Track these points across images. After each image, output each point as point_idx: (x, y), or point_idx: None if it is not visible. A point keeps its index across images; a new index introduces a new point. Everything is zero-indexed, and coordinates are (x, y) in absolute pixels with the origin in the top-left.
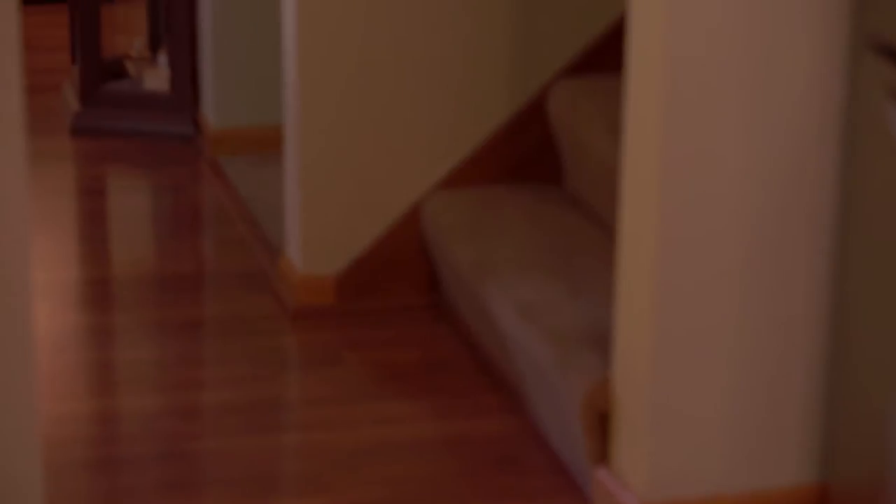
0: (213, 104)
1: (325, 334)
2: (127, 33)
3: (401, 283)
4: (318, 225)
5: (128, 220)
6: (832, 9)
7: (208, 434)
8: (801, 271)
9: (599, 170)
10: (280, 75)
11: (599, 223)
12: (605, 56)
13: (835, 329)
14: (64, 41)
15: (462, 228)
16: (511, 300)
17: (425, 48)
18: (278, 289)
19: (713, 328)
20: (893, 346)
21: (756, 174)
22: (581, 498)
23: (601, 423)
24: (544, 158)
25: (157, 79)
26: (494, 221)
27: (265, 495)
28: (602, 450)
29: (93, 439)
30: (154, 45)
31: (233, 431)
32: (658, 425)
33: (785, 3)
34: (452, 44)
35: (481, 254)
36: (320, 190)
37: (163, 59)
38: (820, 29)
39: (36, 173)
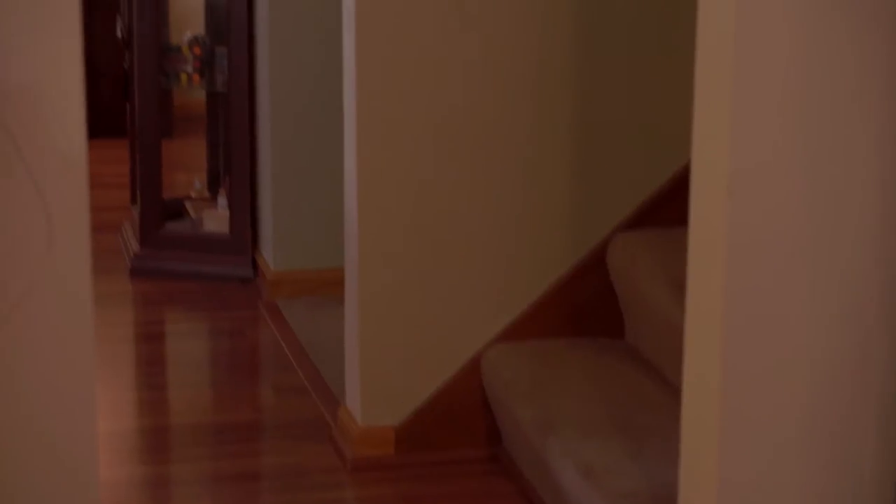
0: (272, 246)
1: (384, 488)
2: (185, 169)
3: (461, 435)
4: (378, 376)
5: (185, 365)
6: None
7: None
8: (871, 433)
9: (660, 325)
10: (339, 219)
11: (661, 380)
12: (665, 209)
13: None
14: (122, 177)
15: (522, 384)
16: (572, 460)
17: (486, 197)
18: (337, 439)
19: (780, 494)
20: None
21: (823, 334)
22: None
23: None
24: (604, 311)
25: (216, 220)
26: (555, 377)
27: None
28: None
29: None
30: (213, 183)
31: None
32: None
33: (849, 174)
34: (513, 194)
35: (542, 411)
36: (380, 341)
37: (222, 200)
38: (880, 198)
39: (95, 316)
